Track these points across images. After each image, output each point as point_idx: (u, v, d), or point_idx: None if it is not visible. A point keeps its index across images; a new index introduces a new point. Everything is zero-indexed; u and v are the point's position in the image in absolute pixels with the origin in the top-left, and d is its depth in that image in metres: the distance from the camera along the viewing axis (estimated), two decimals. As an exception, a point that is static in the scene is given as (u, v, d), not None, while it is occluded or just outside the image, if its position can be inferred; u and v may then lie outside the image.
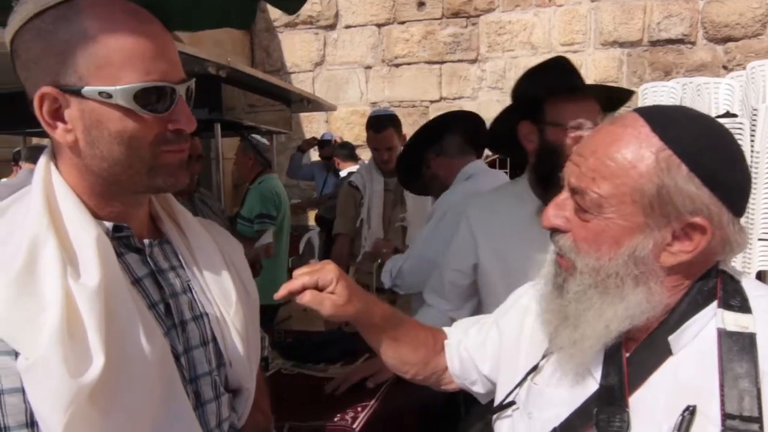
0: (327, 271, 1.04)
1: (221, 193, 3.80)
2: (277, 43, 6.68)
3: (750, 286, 0.82)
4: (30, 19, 0.75)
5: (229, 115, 3.27)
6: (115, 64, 0.74)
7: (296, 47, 6.60)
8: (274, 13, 6.58)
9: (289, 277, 1.06)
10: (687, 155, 0.75)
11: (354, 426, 1.51)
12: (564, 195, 0.86)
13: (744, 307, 0.78)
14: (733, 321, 0.77)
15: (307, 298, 1.02)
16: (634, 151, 0.77)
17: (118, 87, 0.74)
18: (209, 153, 4.87)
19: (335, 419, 1.54)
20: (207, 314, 0.91)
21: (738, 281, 0.82)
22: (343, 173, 4.85)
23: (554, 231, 0.87)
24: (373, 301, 1.13)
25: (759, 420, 0.69)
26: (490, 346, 1.12)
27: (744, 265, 3.77)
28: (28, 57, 0.76)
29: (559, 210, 0.86)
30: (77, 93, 0.74)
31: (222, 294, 0.94)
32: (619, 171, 0.77)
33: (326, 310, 1.03)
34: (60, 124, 0.76)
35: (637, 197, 0.76)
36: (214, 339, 0.92)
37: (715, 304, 0.79)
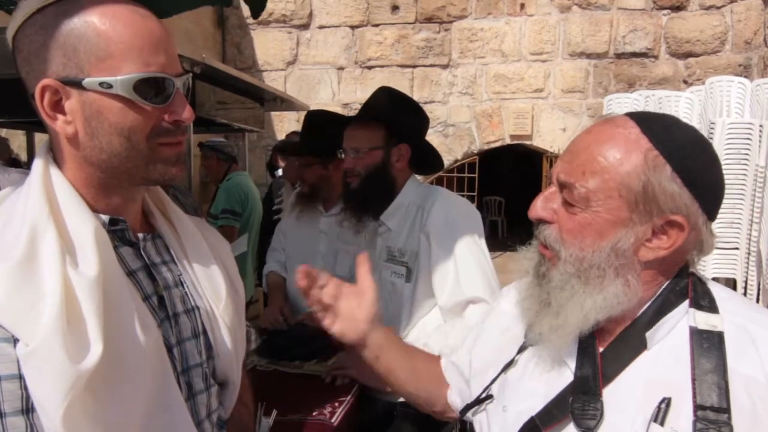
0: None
1: (191, 190, 3.78)
2: (249, 40, 6.63)
3: (716, 289, 0.88)
4: (32, 14, 0.76)
5: (200, 112, 3.24)
6: (115, 56, 0.76)
7: (269, 45, 6.57)
8: (247, 10, 6.52)
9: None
10: (672, 157, 0.80)
11: (332, 420, 1.53)
12: (552, 189, 0.89)
13: (713, 307, 0.84)
14: (704, 320, 0.82)
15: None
16: (624, 150, 0.82)
17: (118, 77, 0.76)
18: (179, 150, 4.81)
19: (314, 414, 1.56)
20: (198, 307, 0.93)
21: (705, 283, 0.88)
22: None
23: (540, 222, 0.90)
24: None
25: (727, 410, 0.75)
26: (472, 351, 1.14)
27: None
28: (30, 51, 0.77)
29: (547, 202, 0.89)
30: (78, 84, 0.76)
31: (212, 289, 0.95)
32: (609, 167, 0.82)
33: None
34: (60, 116, 0.78)
35: (623, 192, 0.81)
36: (205, 332, 0.94)
37: (686, 303, 0.85)
